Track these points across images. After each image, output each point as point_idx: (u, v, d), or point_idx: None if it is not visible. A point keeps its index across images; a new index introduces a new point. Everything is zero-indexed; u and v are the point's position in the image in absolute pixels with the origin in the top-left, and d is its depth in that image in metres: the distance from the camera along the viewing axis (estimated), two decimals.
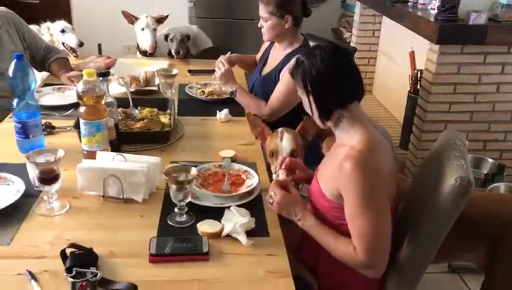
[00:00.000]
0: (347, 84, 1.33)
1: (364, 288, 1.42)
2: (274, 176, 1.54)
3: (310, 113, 1.39)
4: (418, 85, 3.04)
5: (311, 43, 2.34)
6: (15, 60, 1.59)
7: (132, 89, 2.21)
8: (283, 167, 1.50)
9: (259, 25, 2.29)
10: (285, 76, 2.13)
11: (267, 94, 2.23)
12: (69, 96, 2.18)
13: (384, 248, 1.28)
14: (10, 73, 1.59)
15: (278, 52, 2.32)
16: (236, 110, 2.14)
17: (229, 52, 2.47)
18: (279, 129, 1.69)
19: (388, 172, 1.33)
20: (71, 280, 1.07)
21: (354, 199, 1.25)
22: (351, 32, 4.51)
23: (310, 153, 1.72)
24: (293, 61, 1.42)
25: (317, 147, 1.85)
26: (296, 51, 2.22)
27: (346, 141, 1.33)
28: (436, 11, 2.72)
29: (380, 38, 4.22)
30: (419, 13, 2.91)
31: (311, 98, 1.33)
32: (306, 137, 1.69)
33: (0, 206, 1.32)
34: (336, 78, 1.31)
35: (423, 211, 1.32)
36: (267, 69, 2.37)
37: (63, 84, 2.31)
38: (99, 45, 4.49)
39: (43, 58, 2.46)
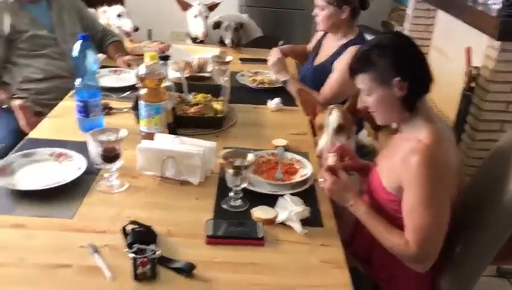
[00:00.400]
0: (428, 71, 1.32)
1: (415, 282, 1.40)
2: (317, 149, 1.67)
3: (379, 108, 1.35)
4: (474, 83, 2.93)
5: (366, 36, 2.29)
6: (80, 41, 1.64)
7: (185, 75, 2.24)
8: (333, 151, 1.49)
9: (313, 13, 2.26)
10: (340, 66, 2.10)
11: (317, 84, 2.20)
12: (124, 78, 2.23)
13: (438, 244, 1.25)
14: (75, 53, 1.64)
15: (332, 43, 2.29)
16: (287, 99, 2.13)
17: (281, 42, 2.46)
18: (330, 106, 1.78)
19: (453, 167, 1.30)
20: (132, 255, 1.10)
21: (417, 193, 1.22)
22: (402, 26, 4.40)
23: None
24: (354, 55, 1.38)
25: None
26: (350, 42, 2.19)
27: (413, 135, 1.30)
28: (498, 6, 2.61)
29: (433, 33, 4.09)
30: (479, 8, 2.81)
31: (399, 87, 1.28)
32: (357, 114, 1.74)
33: (65, 181, 1.37)
34: (423, 62, 1.31)
35: (485, 210, 1.28)
36: (319, 60, 2.34)
37: (118, 67, 2.37)
38: (149, 31, 4.57)
39: (101, 40, 2.52)
